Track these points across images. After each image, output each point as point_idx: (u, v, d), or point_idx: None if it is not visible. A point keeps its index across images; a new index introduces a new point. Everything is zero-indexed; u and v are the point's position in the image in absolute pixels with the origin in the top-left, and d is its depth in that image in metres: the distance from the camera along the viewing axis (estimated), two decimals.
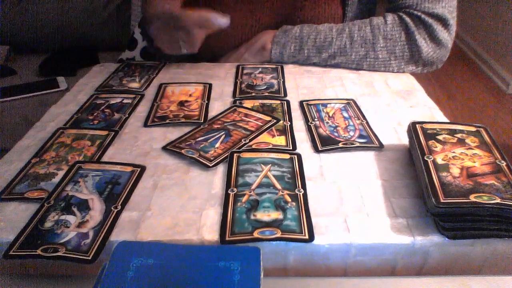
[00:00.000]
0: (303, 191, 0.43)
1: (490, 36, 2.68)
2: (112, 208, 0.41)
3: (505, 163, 0.42)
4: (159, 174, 0.47)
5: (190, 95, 0.65)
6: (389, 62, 0.72)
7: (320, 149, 0.51)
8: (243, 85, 0.68)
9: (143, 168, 0.48)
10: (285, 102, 0.62)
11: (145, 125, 0.58)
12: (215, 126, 0.56)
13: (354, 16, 0.77)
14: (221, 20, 0.64)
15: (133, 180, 0.46)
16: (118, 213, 0.41)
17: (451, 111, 2.24)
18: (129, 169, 0.47)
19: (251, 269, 0.34)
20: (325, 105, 0.61)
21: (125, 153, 0.51)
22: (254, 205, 0.41)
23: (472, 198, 0.37)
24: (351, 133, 0.54)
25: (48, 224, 0.39)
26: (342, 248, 0.38)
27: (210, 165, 0.48)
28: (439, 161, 0.42)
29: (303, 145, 0.52)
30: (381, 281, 0.38)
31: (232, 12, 0.78)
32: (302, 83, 0.69)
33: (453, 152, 0.44)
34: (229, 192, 0.43)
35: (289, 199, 0.42)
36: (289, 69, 0.73)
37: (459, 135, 0.46)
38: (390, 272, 0.40)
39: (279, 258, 0.39)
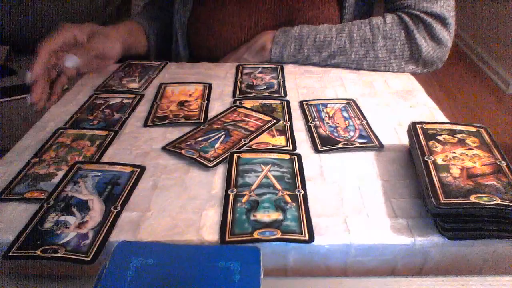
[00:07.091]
0: (303, 192, 0.43)
1: (490, 36, 2.68)
2: (112, 209, 0.41)
3: (505, 164, 0.42)
4: (159, 174, 0.47)
5: (190, 95, 0.65)
6: (389, 62, 0.72)
7: (320, 149, 0.51)
8: (243, 85, 0.68)
9: (142, 169, 0.48)
10: (285, 102, 0.62)
11: (145, 125, 0.58)
12: (215, 126, 0.56)
13: (351, 19, 0.77)
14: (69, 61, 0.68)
15: (133, 181, 0.46)
16: (118, 214, 0.41)
17: (451, 111, 2.24)
18: (128, 169, 0.47)
19: (251, 269, 0.34)
20: (325, 105, 0.61)
21: (125, 153, 0.51)
22: (254, 206, 0.41)
23: (472, 198, 0.37)
24: (351, 133, 0.54)
25: (47, 225, 0.39)
26: (342, 248, 0.38)
27: (210, 165, 0.48)
28: (439, 161, 0.42)
29: (303, 145, 0.52)
30: (381, 281, 0.38)
31: (232, 14, 0.78)
32: (302, 83, 0.69)
33: (453, 152, 0.44)
34: (229, 192, 0.43)
35: (289, 199, 0.42)
36: (289, 69, 0.73)
37: (459, 136, 0.46)
38: (390, 272, 0.40)
39: (279, 259, 0.39)
